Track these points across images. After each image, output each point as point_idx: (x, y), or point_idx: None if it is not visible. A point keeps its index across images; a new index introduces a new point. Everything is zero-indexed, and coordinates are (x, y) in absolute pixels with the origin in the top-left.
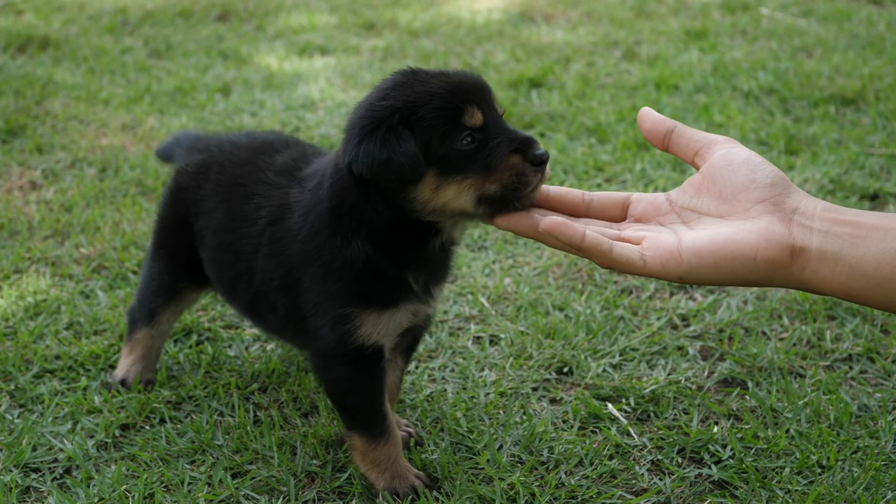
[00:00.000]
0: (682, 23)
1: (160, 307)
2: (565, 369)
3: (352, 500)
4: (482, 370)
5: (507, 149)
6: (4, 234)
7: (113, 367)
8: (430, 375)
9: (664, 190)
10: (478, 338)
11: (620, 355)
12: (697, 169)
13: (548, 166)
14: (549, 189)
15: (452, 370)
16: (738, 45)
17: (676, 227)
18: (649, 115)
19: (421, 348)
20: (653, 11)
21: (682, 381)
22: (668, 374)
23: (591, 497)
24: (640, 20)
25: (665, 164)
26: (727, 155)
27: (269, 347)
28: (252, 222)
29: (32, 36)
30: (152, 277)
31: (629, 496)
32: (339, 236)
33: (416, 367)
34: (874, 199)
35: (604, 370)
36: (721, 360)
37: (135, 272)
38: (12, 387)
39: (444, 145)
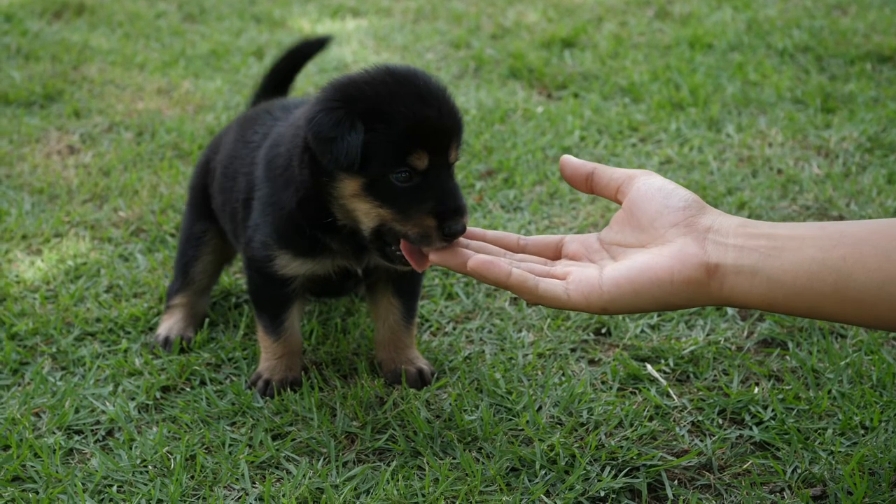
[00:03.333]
0: None
1: (191, 258)
2: (603, 330)
3: (392, 461)
4: (520, 331)
5: (428, 209)
6: (44, 198)
7: (152, 329)
8: (467, 337)
9: (700, 150)
10: (514, 299)
11: (658, 316)
12: (621, 205)
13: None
14: (487, 233)
15: (490, 331)
16: (771, 3)
17: (604, 261)
18: (569, 162)
19: (458, 309)
20: None
21: (722, 342)
22: (707, 335)
23: (632, 458)
24: None
25: (700, 124)
26: (642, 186)
27: (307, 309)
28: (245, 145)
29: (68, 2)
30: (183, 229)
31: (670, 457)
32: (281, 179)
33: (454, 329)
34: None
35: (642, 331)
36: (760, 320)
37: (172, 235)
38: (54, 349)
39: (382, 168)
